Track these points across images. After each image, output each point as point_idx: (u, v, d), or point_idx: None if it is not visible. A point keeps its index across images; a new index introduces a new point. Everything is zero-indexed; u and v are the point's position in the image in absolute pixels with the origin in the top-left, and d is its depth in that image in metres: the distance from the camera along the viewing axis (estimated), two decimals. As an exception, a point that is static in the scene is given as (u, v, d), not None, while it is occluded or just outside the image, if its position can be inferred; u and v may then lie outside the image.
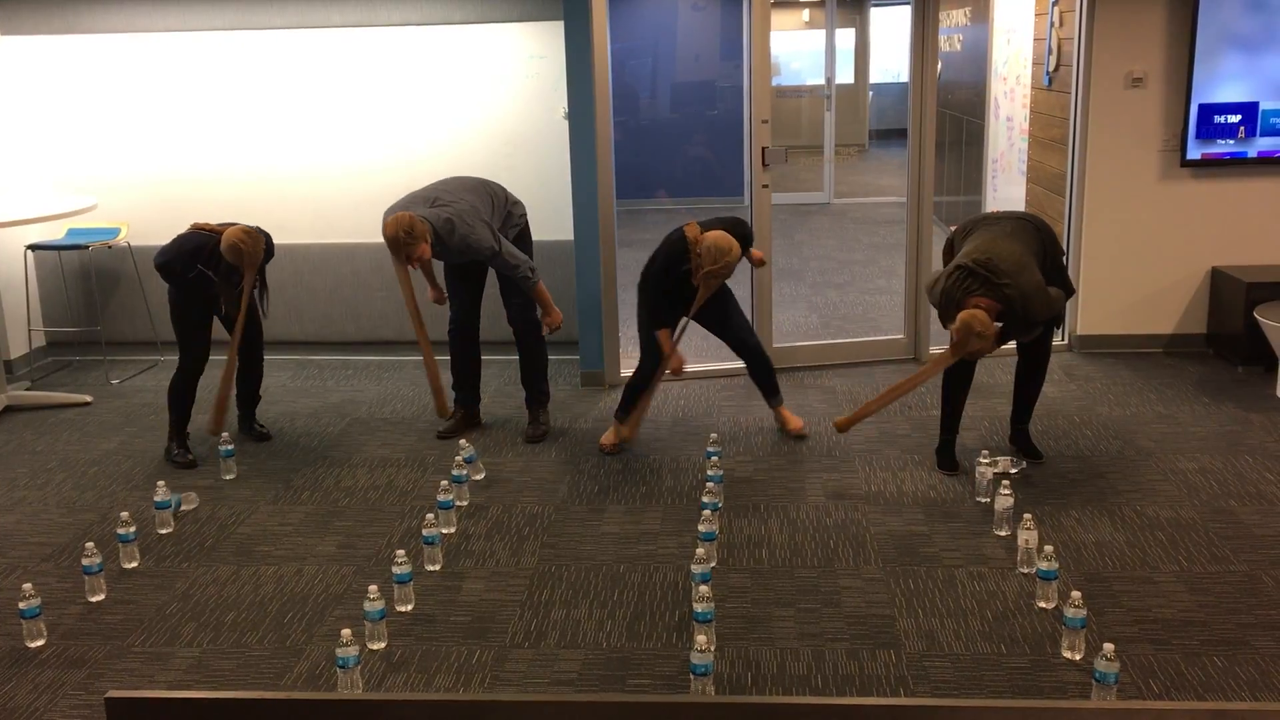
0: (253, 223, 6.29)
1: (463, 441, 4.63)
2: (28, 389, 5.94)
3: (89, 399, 5.72)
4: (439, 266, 5.13)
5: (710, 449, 4.59)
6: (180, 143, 6.31)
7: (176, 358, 4.95)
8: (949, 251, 4.67)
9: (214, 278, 4.74)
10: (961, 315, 4.08)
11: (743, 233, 4.77)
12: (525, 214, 5.11)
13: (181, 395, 4.93)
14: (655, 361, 4.86)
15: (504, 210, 4.96)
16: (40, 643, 3.50)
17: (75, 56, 6.24)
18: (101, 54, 6.23)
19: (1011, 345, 4.57)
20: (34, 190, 6.32)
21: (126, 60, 6.23)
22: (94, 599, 3.76)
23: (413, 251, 4.59)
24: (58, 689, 3.27)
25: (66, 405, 5.69)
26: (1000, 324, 4.16)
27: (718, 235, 4.55)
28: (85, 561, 3.75)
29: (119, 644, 3.50)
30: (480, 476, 4.65)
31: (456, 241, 4.70)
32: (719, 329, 5.02)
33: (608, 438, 4.98)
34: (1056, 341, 6.17)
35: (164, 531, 4.24)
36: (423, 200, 4.79)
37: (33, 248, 6.13)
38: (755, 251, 5.10)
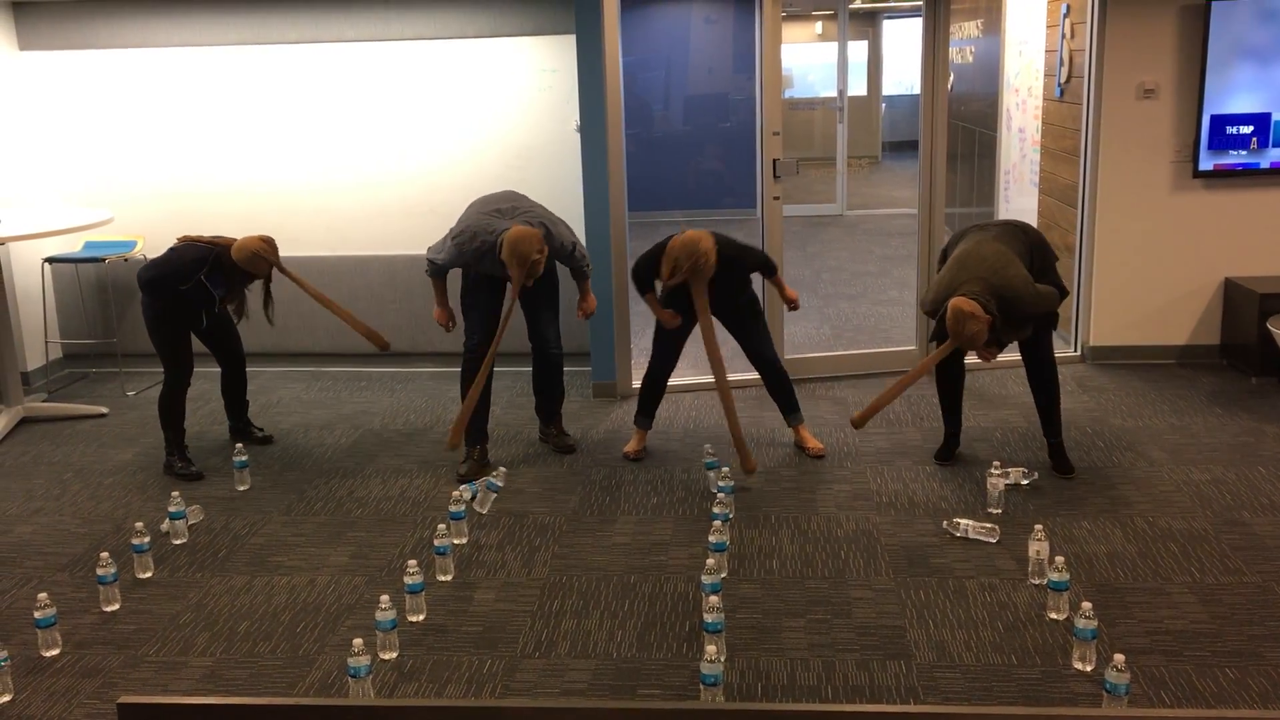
0: (267, 234, 6.36)
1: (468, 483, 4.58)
2: (45, 400, 5.99)
3: (105, 410, 5.77)
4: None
5: (708, 460, 4.60)
6: (196, 156, 6.36)
7: (196, 369, 5.01)
8: (942, 260, 4.73)
9: (212, 290, 4.77)
10: (951, 302, 4.19)
11: (731, 254, 4.65)
12: None
13: (173, 410, 4.92)
14: (663, 361, 4.91)
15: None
16: (55, 652, 3.53)
17: (93, 71, 6.31)
18: (118, 69, 6.29)
19: (1018, 358, 4.61)
20: (51, 203, 6.39)
21: (143, 75, 6.29)
22: (108, 609, 3.79)
23: (538, 268, 4.49)
24: (72, 698, 3.30)
25: (83, 417, 5.73)
26: (991, 316, 4.19)
27: (686, 235, 4.50)
28: (100, 571, 3.77)
29: (133, 653, 3.53)
30: (494, 498, 4.66)
31: (552, 244, 4.64)
32: (743, 337, 4.95)
33: (631, 446, 5.00)
34: (1069, 352, 6.17)
35: (178, 542, 4.27)
36: (498, 213, 4.69)
37: (50, 260, 6.19)
38: (789, 290, 4.95)
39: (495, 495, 4.53)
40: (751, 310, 4.92)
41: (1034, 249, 4.53)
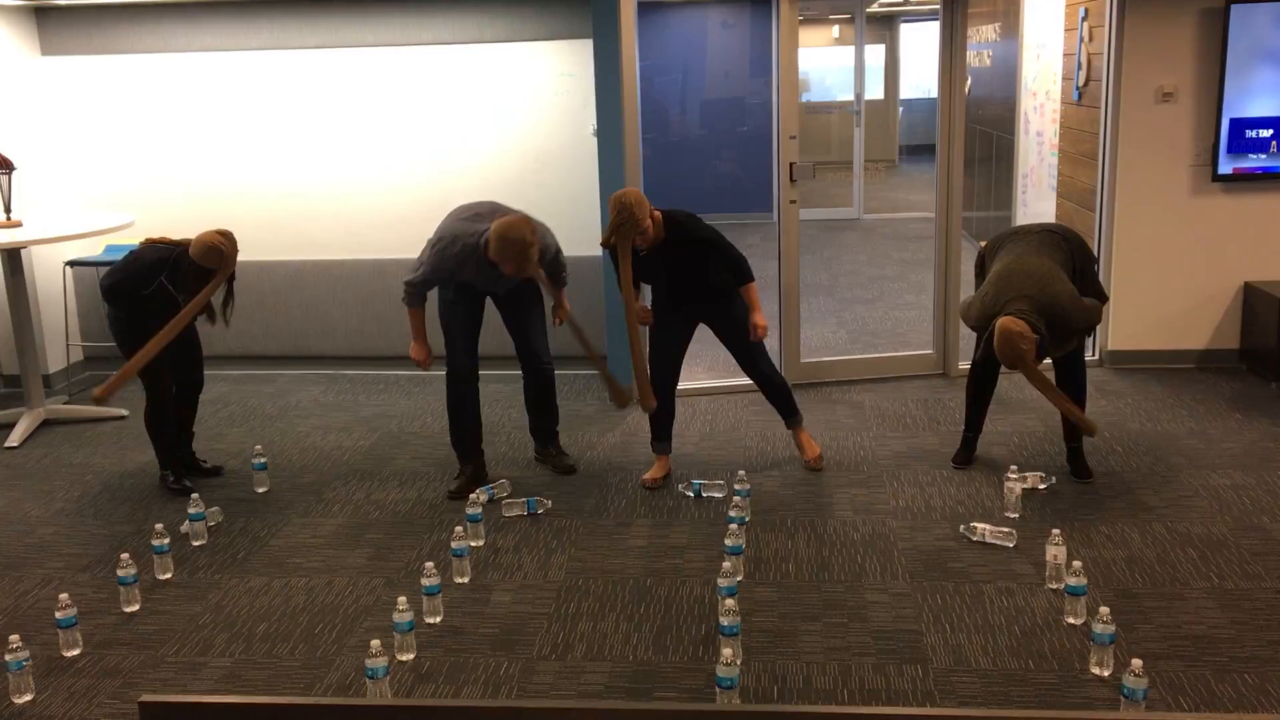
0: (287, 238, 6.41)
1: (473, 496, 4.44)
2: (66, 402, 6.04)
3: (125, 413, 5.80)
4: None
5: (695, 482, 4.59)
6: (216, 160, 6.40)
7: (206, 374, 5.00)
8: (980, 268, 4.71)
9: (174, 292, 4.56)
10: (999, 323, 4.13)
11: (683, 222, 4.50)
12: None
13: (159, 424, 4.77)
14: (663, 377, 4.70)
15: None
16: (76, 652, 3.55)
17: (114, 76, 6.36)
18: (139, 73, 6.34)
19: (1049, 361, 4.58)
20: (73, 207, 6.44)
21: (164, 79, 6.34)
22: (129, 609, 3.81)
23: (532, 256, 4.31)
24: (92, 698, 3.32)
25: (103, 419, 5.77)
26: (1039, 335, 4.17)
27: (623, 192, 4.38)
28: (120, 572, 3.80)
29: (153, 654, 3.55)
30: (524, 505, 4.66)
31: (540, 249, 4.48)
32: (735, 350, 4.76)
33: (652, 473, 4.76)
34: (1088, 356, 6.14)
35: (198, 543, 4.30)
36: (477, 217, 4.53)
37: (71, 264, 6.24)
38: (759, 314, 4.61)
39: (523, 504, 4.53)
40: (746, 324, 4.67)
41: (1075, 254, 4.50)
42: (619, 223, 4.32)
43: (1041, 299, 4.18)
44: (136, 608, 3.82)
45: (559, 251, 4.71)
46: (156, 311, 4.60)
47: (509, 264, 4.35)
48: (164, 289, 4.58)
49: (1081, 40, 6.60)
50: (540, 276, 4.53)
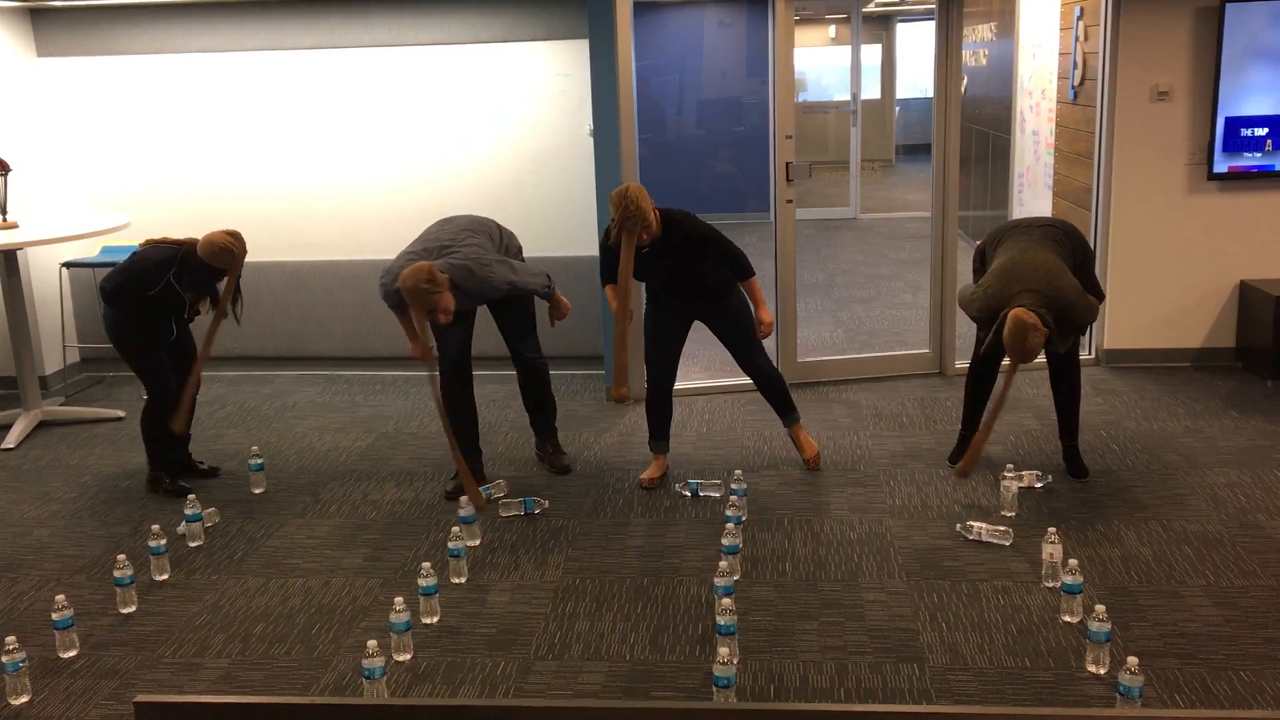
0: (284, 239, 6.41)
1: (463, 500, 4.31)
2: (62, 404, 6.04)
3: (122, 414, 5.80)
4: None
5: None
6: (213, 161, 6.40)
7: (202, 375, 4.99)
8: (980, 260, 4.71)
9: (181, 291, 4.56)
10: (1012, 313, 4.10)
11: (679, 220, 4.52)
12: (520, 245, 4.85)
13: (157, 425, 4.75)
14: (660, 374, 4.74)
15: (501, 243, 4.72)
16: (72, 653, 3.55)
17: (110, 77, 6.36)
18: (136, 74, 6.34)
19: (1042, 360, 4.58)
20: (69, 208, 6.43)
21: (161, 80, 6.33)
22: (125, 610, 3.81)
23: (437, 303, 4.22)
24: (89, 699, 3.32)
25: (100, 420, 5.77)
26: (1048, 328, 4.16)
27: (624, 186, 4.37)
28: (117, 574, 3.80)
29: (150, 655, 3.55)
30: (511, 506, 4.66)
31: (477, 286, 4.42)
32: (731, 346, 4.77)
33: (650, 473, 4.77)
34: (1084, 355, 6.14)
35: (194, 544, 4.30)
36: (426, 252, 4.47)
37: (68, 265, 6.23)
38: (764, 310, 4.66)
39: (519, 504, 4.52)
40: (742, 320, 4.68)
41: (1075, 251, 4.51)
42: (625, 216, 4.30)
43: (1048, 292, 4.19)
44: (133, 609, 3.82)
45: (513, 283, 4.54)
46: (160, 312, 4.64)
47: (417, 311, 4.30)
48: (170, 288, 4.57)
49: (1077, 39, 6.60)
50: (417, 329, 4.40)
